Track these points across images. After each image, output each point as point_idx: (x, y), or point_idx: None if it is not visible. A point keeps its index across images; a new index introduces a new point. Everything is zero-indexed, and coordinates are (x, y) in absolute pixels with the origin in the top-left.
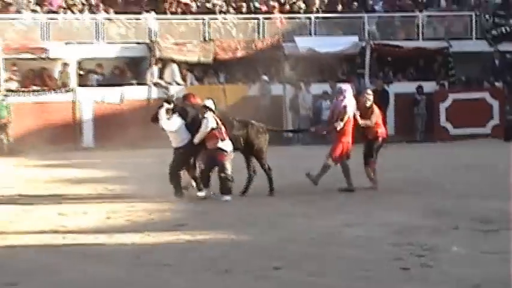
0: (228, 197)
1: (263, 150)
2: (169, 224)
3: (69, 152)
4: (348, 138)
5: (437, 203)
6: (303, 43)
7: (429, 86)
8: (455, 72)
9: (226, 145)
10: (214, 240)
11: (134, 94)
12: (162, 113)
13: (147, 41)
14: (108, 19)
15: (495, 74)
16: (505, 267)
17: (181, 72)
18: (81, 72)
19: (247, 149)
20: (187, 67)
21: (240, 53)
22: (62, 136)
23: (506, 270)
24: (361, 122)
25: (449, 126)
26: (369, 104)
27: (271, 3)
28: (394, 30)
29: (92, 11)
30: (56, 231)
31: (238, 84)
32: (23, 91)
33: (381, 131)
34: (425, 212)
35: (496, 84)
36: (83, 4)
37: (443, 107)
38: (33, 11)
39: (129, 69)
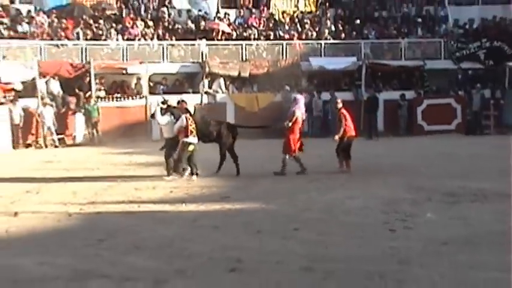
0: (174, 177)
1: (227, 141)
2: (217, 196)
3: (142, 143)
4: (295, 136)
5: (415, 181)
6: (316, 62)
7: (409, 94)
8: (428, 84)
9: (192, 139)
10: (249, 208)
11: (190, 100)
12: (158, 111)
13: (200, 60)
14: (171, 44)
15: (458, 85)
16: (465, 229)
17: (225, 84)
18: (151, 84)
19: (218, 140)
20: (230, 80)
21: (268, 70)
22: (137, 131)
23: (467, 232)
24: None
25: (424, 124)
26: (339, 106)
27: (292, 32)
28: (383, 53)
29: (159, 39)
30: (132, 202)
31: (267, 92)
32: (108, 98)
33: (350, 131)
34: (406, 188)
35: (459, 92)
36: (153, 33)
37: (419, 109)
38: (117, 39)
39: (187, 82)
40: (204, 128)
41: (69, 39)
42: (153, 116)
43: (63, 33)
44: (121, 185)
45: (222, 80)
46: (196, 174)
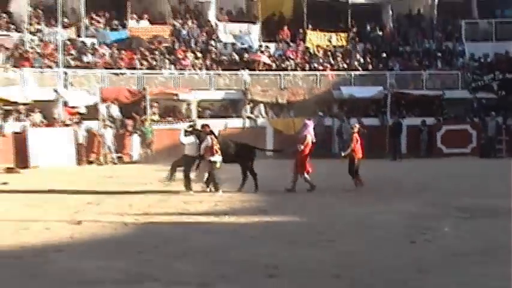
0: (219, 193)
1: (246, 161)
2: (256, 210)
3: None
4: (306, 157)
5: (434, 198)
6: (346, 90)
7: (430, 120)
8: (447, 111)
9: (217, 158)
10: (285, 221)
11: (234, 124)
12: (182, 132)
13: (243, 88)
14: (218, 74)
15: (474, 113)
16: (480, 242)
17: (265, 110)
18: (199, 109)
19: (238, 160)
20: (269, 106)
21: (304, 97)
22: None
23: (481, 244)
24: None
25: (443, 147)
26: (354, 130)
27: (325, 64)
28: (406, 83)
29: (207, 68)
30: (181, 213)
31: (302, 118)
32: (161, 121)
33: (358, 153)
34: (426, 204)
35: (475, 119)
36: (201, 64)
37: (439, 134)
38: (169, 68)
39: (231, 107)
40: (225, 149)
41: (127, 69)
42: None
43: (122, 63)
44: (171, 199)
45: (262, 106)
46: (211, 190)
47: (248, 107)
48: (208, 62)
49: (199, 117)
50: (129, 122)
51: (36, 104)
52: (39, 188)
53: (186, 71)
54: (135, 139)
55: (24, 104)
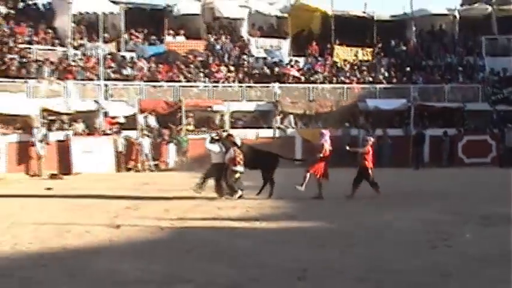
0: (235, 196)
1: (269, 169)
2: (286, 215)
3: None
4: (323, 164)
5: (455, 206)
6: (371, 103)
7: (451, 131)
8: (468, 122)
9: (239, 168)
10: (313, 226)
11: (265, 133)
12: (208, 140)
13: (273, 100)
14: (250, 86)
15: (493, 124)
16: (498, 248)
17: (294, 120)
18: (232, 120)
19: (261, 167)
20: (298, 117)
21: (331, 109)
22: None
23: (499, 250)
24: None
25: (464, 157)
26: (369, 142)
27: (352, 77)
28: (429, 96)
29: (240, 81)
30: (215, 218)
31: (329, 128)
32: (196, 131)
33: (369, 163)
34: (447, 211)
35: (494, 130)
36: (234, 77)
37: (460, 144)
38: (204, 81)
39: (262, 118)
40: (250, 157)
41: (164, 81)
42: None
43: (159, 76)
44: (205, 204)
45: (291, 117)
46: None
47: (278, 118)
48: (240, 75)
49: (232, 127)
50: (166, 131)
51: (79, 114)
52: (80, 193)
53: (219, 84)
54: (171, 148)
55: (67, 114)
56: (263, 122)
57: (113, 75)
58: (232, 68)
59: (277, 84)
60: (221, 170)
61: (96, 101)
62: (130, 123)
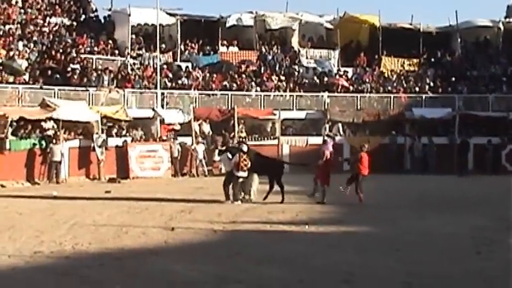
0: (237, 202)
1: (275, 174)
2: (333, 220)
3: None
4: (326, 170)
5: (498, 212)
6: (417, 112)
7: (495, 140)
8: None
9: (241, 173)
10: (359, 231)
11: (313, 141)
12: (216, 152)
13: (323, 109)
14: (300, 95)
15: None
16: None
17: (343, 128)
18: (283, 127)
19: (269, 173)
20: (346, 125)
21: (378, 117)
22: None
23: None
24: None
25: (507, 165)
26: (363, 149)
27: (398, 87)
28: (474, 105)
29: (290, 90)
30: (265, 222)
31: (377, 136)
32: (248, 138)
33: (364, 170)
34: (491, 217)
35: None
36: (285, 86)
37: (504, 153)
38: (256, 90)
39: (311, 126)
40: (257, 163)
41: (218, 90)
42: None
43: (213, 85)
44: (256, 209)
45: (340, 125)
46: (243, 199)
47: (327, 126)
48: (291, 85)
49: (283, 134)
50: (219, 138)
51: (136, 121)
52: (137, 197)
53: (271, 93)
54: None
55: (125, 121)
56: (312, 130)
57: (169, 84)
58: (283, 78)
59: (326, 94)
60: (233, 175)
61: (153, 109)
62: (185, 130)
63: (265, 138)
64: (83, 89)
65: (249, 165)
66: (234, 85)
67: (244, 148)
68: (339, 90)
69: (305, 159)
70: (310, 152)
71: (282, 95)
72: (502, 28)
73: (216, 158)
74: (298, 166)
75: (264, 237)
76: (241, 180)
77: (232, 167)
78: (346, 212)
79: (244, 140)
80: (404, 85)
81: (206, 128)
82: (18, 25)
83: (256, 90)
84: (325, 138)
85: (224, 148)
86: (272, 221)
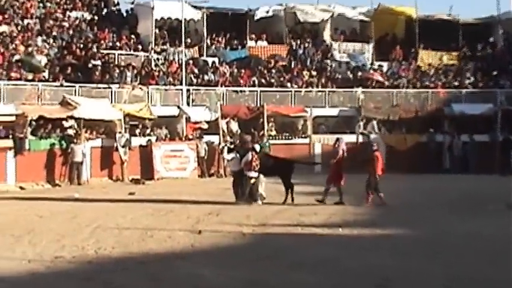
0: (259, 202)
1: (286, 174)
2: (367, 222)
3: (306, 175)
4: (338, 170)
5: None
6: (457, 107)
7: None
8: None
9: (252, 173)
10: (395, 233)
11: (347, 139)
12: (225, 150)
13: (356, 105)
14: (332, 91)
15: None
16: None
17: (378, 126)
18: (314, 125)
19: (279, 173)
20: (382, 122)
21: (415, 114)
22: (302, 165)
23: None
24: None
25: None
26: (373, 149)
27: (436, 81)
28: None
29: (322, 86)
30: (297, 225)
31: (414, 134)
32: (278, 136)
33: (378, 170)
34: None
35: None
36: (317, 82)
37: None
38: (286, 86)
39: (344, 124)
40: (266, 164)
41: (246, 86)
42: (221, 152)
43: (241, 81)
44: (287, 210)
45: (375, 123)
46: (256, 200)
47: (361, 123)
48: (323, 80)
49: (315, 132)
50: (248, 137)
51: (161, 119)
52: (163, 199)
53: (302, 89)
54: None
55: (150, 119)
56: (346, 128)
57: (194, 81)
58: (314, 73)
59: (360, 89)
60: (241, 175)
61: (178, 107)
62: (212, 128)
63: (296, 137)
64: (105, 86)
65: (259, 167)
66: (263, 81)
67: (257, 148)
68: (373, 85)
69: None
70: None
71: (313, 91)
72: None
73: (227, 156)
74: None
75: (296, 241)
76: (253, 181)
77: (243, 166)
78: (380, 214)
79: (268, 138)
80: (443, 80)
81: (234, 126)
82: (37, 20)
83: (286, 87)
84: (339, 137)
85: (233, 146)
86: (304, 223)
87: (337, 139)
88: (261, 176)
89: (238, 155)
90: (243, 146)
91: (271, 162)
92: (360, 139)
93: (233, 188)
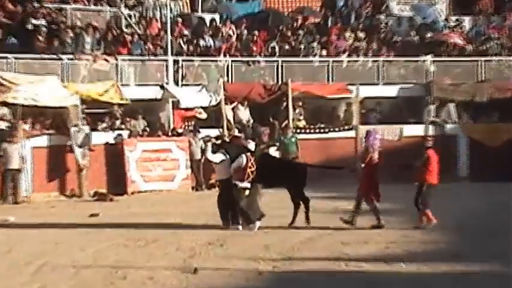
0: (254, 225)
1: (297, 185)
2: (445, 253)
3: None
4: (370, 180)
5: None
6: None
7: None
8: None
9: (245, 183)
10: (488, 271)
11: (411, 131)
12: (208, 147)
13: (424, 81)
14: (388, 61)
15: None
16: None
17: (456, 111)
18: (363, 111)
19: (285, 184)
20: (462, 106)
21: None
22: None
23: None
24: None
25: None
26: (428, 145)
27: None
28: None
29: (374, 54)
30: (338, 259)
31: (510, 123)
32: (309, 128)
33: (429, 176)
34: None
35: None
36: (366, 47)
37: None
38: (320, 55)
39: (407, 108)
40: (267, 170)
41: (261, 56)
42: (203, 151)
43: (254, 48)
44: (323, 238)
45: (452, 107)
46: (252, 223)
47: (432, 108)
48: (374, 45)
49: (363, 122)
50: (265, 130)
51: (137, 105)
52: (140, 222)
53: (343, 58)
54: (273, 153)
55: (120, 105)
56: (409, 115)
57: (185, 48)
58: (362, 35)
59: (430, 58)
60: (229, 188)
61: (161, 86)
62: (212, 118)
63: (336, 129)
64: (53, 57)
65: (255, 172)
66: (287, 47)
67: (252, 146)
68: (449, 51)
69: (400, 159)
70: (406, 149)
71: (360, 62)
72: None
73: (212, 157)
74: (331, 170)
75: (337, 283)
76: (246, 193)
77: (233, 173)
78: (463, 242)
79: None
80: None
81: (244, 114)
82: None
83: (320, 55)
84: (369, 129)
85: (220, 142)
86: (349, 257)
87: (367, 132)
88: (259, 187)
89: (228, 156)
90: (234, 142)
91: (274, 166)
92: (431, 130)
93: (218, 206)
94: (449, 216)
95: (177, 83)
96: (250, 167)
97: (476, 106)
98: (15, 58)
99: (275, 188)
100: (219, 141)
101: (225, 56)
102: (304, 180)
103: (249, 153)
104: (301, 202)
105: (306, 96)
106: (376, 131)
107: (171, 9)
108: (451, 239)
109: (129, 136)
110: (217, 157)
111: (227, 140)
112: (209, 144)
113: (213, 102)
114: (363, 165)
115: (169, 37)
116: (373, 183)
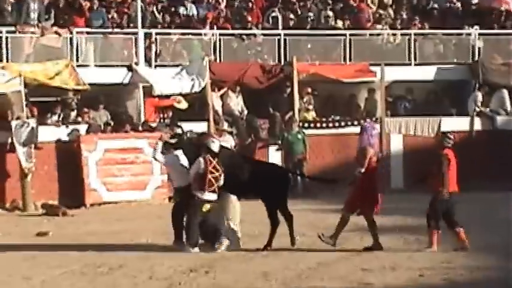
0: (223, 245)
1: (275, 195)
2: (494, 280)
3: None
4: (367, 186)
5: None
6: None
7: None
8: None
9: (208, 196)
10: None
11: (453, 125)
12: (159, 145)
13: (470, 61)
14: (422, 34)
15: None
16: None
17: (511, 99)
18: (390, 99)
19: (261, 193)
20: None
21: None
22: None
23: None
24: None
25: None
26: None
27: None
28: None
29: (402, 26)
30: None
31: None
32: (320, 122)
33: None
34: None
35: None
36: (392, 17)
37: None
38: (334, 25)
39: (447, 95)
40: (235, 174)
41: (256, 26)
42: (154, 150)
43: (249, 18)
44: (339, 263)
45: (505, 93)
46: (219, 243)
47: (479, 95)
48: (404, 14)
49: (391, 113)
50: (263, 123)
51: (97, 91)
52: (102, 243)
53: (364, 31)
54: (274, 154)
55: (75, 92)
56: (450, 103)
57: (159, 17)
58: (389, 0)
59: (476, 30)
60: (185, 199)
61: (129, 67)
62: (195, 108)
63: (355, 123)
64: None
65: (222, 180)
66: (292, 16)
67: (214, 146)
68: (501, 22)
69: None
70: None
71: (385, 35)
72: None
73: (158, 156)
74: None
75: None
76: (208, 208)
77: (191, 181)
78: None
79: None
80: None
81: (236, 102)
82: None
83: (335, 28)
84: (365, 124)
85: (176, 141)
86: (372, 286)
87: (362, 127)
88: (233, 199)
89: (184, 157)
90: (195, 141)
91: (246, 170)
92: (477, 124)
93: (172, 221)
94: (498, 233)
95: (149, 64)
96: (212, 172)
97: None
98: None
99: (247, 198)
100: (174, 140)
101: (211, 28)
102: (286, 189)
103: (209, 156)
104: (275, 221)
105: (316, 80)
106: (372, 125)
107: None
108: (501, 264)
109: (88, 132)
110: (170, 160)
111: (188, 137)
112: (159, 143)
113: (196, 88)
114: (362, 170)
115: (140, 3)
116: (369, 190)
